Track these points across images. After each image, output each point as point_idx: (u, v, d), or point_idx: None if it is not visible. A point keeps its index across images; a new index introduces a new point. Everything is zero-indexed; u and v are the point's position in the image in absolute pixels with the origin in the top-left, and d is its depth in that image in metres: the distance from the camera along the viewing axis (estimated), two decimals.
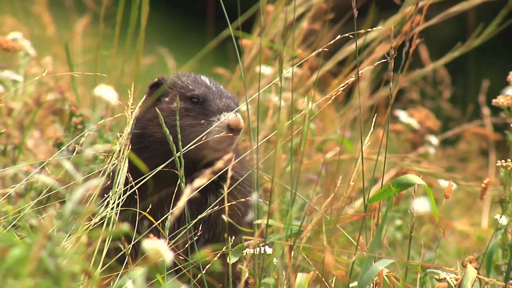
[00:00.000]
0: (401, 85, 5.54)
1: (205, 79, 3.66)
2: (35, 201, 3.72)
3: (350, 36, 3.43)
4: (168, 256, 2.58)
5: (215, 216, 3.50)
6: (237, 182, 3.53)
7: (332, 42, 3.43)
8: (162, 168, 3.45)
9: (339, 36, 3.42)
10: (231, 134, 3.50)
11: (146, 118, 3.58)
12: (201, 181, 3.10)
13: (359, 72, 3.39)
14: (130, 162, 3.48)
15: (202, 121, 3.51)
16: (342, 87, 3.42)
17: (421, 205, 3.25)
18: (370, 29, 3.58)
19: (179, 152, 3.36)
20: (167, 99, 3.60)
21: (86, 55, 4.79)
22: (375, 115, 3.45)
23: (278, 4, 5.01)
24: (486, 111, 6.18)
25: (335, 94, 3.44)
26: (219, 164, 3.22)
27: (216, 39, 4.66)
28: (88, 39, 5.25)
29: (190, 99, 3.58)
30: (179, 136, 3.40)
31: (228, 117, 3.50)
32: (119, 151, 3.48)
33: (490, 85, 6.18)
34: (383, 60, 3.39)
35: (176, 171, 3.42)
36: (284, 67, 4.52)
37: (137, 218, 3.46)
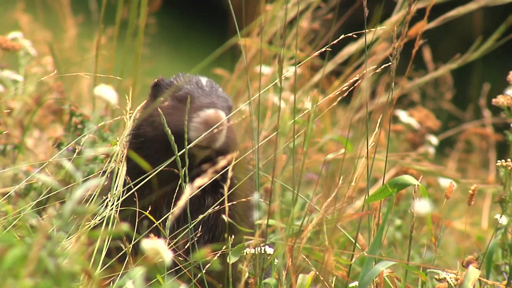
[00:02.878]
0: (404, 90, 5.55)
1: (202, 79, 3.64)
2: (35, 202, 3.71)
3: (354, 36, 3.42)
4: (167, 256, 2.58)
5: (214, 217, 3.48)
6: (237, 185, 3.51)
7: (335, 42, 3.42)
8: (158, 167, 3.44)
9: (342, 36, 3.41)
10: (207, 129, 3.45)
11: (141, 118, 3.58)
12: (202, 181, 3.09)
13: (363, 72, 3.39)
14: (128, 162, 3.48)
15: (185, 118, 3.48)
16: (345, 87, 3.42)
17: (421, 206, 3.25)
18: (371, 29, 3.57)
19: (182, 151, 3.36)
20: (162, 99, 3.60)
21: (106, 62, 4.78)
22: (380, 116, 3.44)
23: (276, 3, 5.01)
24: (487, 113, 6.18)
25: (339, 94, 3.43)
26: (222, 163, 3.21)
27: (222, 47, 4.65)
28: (109, 48, 5.25)
29: (177, 97, 3.56)
30: (185, 131, 3.40)
31: (206, 113, 3.47)
32: (117, 152, 3.48)
33: (492, 85, 6.18)
34: (386, 64, 3.38)
35: (171, 170, 3.41)
36: (283, 66, 4.52)
37: (137, 218, 3.46)
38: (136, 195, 3.45)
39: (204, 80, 3.64)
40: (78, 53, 6.28)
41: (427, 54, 5.86)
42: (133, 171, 3.48)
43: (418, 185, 3.34)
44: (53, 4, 6.66)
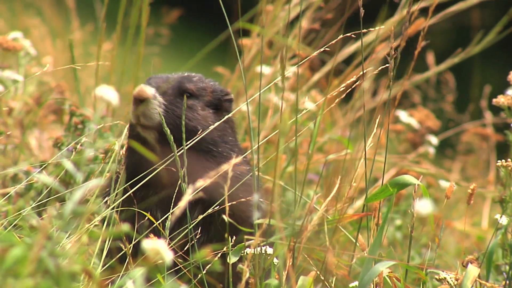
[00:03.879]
0: (404, 88, 5.55)
1: (186, 73, 3.64)
2: (36, 202, 3.71)
3: (353, 36, 3.42)
4: (168, 256, 2.58)
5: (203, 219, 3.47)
6: (236, 186, 3.49)
7: (334, 42, 3.42)
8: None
9: (341, 36, 3.41)
10: (135, 106, 3.43)
11: None
12: (203, 182, 3.09)
13: (363, 71, 3.38)
14: (127, 158, 3.50)
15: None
16: (343, 87, 3.42)
17: (423, 206, 3.24)
18: (370, 29, 3.57)
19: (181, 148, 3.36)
20: None
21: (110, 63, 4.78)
22: (378, 117, 3.44)
23: (277, 3, 5.01)
24: (488, 115, 6.18)
25: (337, 95, 3.43)
26: (224, 167, 3.21)
27: (223, 34, 4.64)
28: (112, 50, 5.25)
29: None
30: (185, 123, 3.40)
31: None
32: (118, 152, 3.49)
33: (494, 85, 6.18)
34: (386, 65, 3.38)
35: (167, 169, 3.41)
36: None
37: (136, 218, 3.46)
38: (134, 196, 3.45)
39: (187, 73, 3.63)
40: (84, 57, 6.31)
41: (430, 57, 5.85)
42: (132, 168, 3.49)
43: (418, 185, 3.34)
44: (61, 8, 6.69)
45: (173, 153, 3.32)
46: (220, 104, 3.62)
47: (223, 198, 3.40)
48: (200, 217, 3.41)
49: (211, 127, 3.49)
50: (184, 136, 3.39)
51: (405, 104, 6.36)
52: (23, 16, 6.71)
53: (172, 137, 3.32)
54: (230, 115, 3.60)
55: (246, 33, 5.13)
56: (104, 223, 3.34)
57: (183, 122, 3.42)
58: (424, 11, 3.49)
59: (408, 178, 3.34)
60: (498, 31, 4.87)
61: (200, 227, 3.46)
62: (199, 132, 3.48)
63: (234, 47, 3.47)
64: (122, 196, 3.42)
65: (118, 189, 3.42)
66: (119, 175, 3.46)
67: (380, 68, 3.47)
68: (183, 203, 3.05)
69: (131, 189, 3.44)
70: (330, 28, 5.11)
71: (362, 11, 3.31)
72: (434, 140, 5.55)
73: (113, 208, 3.38)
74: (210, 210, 3.42)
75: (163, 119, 3.39)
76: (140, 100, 3.42)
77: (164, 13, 6.75)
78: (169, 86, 3.49)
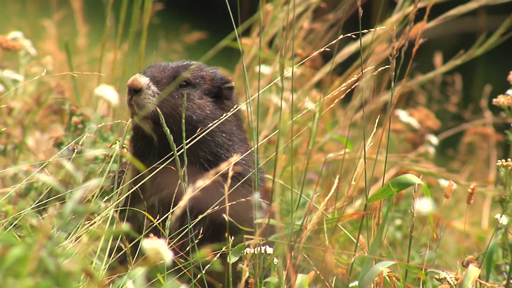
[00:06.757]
0: (408, 89, 5.55)
1: (186, 61, 3.64)
2: (36, 202, 3.71)
3: (353, 36, 3.42)
4: (168, 255, 2.58)
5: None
6: (237, 184, 3.49)
7: (334, 42, 3.42)
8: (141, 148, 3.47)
9: (341, 36, 3.41)
10: (129, 96, 3.46)
11: None
12: (203, 182, 3.09)
13: (363, 71, 3.39)
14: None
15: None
16: (344, 87, 3.42)
17: (423, 205, 3.24)
18: (370, 30, 3.57)
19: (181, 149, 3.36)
20: None
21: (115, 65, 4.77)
22: (378, 116, 3.44)
23: (276, 4, 5.01)
24: (488, 114, 6.18)
25: (338, 95, 3.43)
26: (223, 165, 3.21)
27: (215, 48, 4.64)
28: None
29: None
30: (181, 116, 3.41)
31: None
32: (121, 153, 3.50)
33: (497, 86, 6.18)
34: (386, 66, 3.37)
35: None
36: (284, 66, 4.51)
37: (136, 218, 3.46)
38: (134, 195, 3.46)
39: (188, 61, 3.64)
40: (90, 61, 6.32)
41: (438, 58, 5.84)
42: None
43: (419, 184, 3.34)
44: (69, 14, 6.73)
45: (169, 146, 3.34)
46: (220, 92, 3.60)
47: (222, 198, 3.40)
48: (200, 216, 3.40)
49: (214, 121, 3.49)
50: (183, 127, 3.39)
51: (410, 104, 6.36)
52: (35, 17, 6.75)
53: (167, 128, 3.33)
54: (236, 107, 3.59)
55: (246, 33, 5.13)
56: (106, 222, 3.34)
57: (183, 113, 3.42)
58: (422, 10, 3.49)
59: (410, 177, 3.34)
60: (500, 34, 4.87)
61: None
62: (194, 121, 3.48)
63: (234, 48, 3.47)
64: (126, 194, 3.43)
65: (121, 187, 3.42)
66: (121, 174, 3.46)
67: (381, 69, 3.47)
68: (183, 202, 3.05)
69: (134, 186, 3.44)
70: (330, 27, 5.11)
71: (360, 11, 3.31)
72: (434, 139, 5.55)
73: (116, 207, 3.38)
74: (210, 210, 3.41)
75: (158, 109, 3.42)
76: (134, 90, 3.45)
77: (184, 32, 6.78)
78: (165, 75, 3.50)
